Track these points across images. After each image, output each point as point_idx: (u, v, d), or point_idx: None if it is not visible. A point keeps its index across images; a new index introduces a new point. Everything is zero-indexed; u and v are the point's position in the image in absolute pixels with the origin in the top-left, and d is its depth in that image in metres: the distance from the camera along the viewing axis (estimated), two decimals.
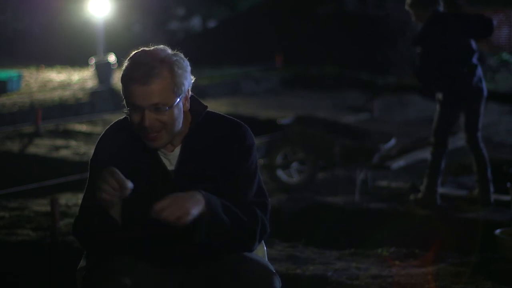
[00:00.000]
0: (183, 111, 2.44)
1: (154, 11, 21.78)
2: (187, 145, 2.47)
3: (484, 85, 6.09)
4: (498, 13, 19.33)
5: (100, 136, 2.54)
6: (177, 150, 2.47)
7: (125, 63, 2.41)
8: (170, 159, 2.47)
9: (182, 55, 2.44)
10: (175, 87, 2.37)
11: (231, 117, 2.55)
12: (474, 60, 6.03)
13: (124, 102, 2.41)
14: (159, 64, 2.35)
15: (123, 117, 2.54)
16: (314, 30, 17.37)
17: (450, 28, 5.97)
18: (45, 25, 20.67)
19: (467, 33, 6.01)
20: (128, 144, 2.47)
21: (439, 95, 6.09)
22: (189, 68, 2.44)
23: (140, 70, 2.34)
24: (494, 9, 19.56)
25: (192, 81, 2.47)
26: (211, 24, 21.28)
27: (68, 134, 9.25)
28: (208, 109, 2.53)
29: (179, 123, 2.42)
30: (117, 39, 17.43)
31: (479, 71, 6.05)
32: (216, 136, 2.48)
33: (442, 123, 6.10)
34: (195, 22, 22.51)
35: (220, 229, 2.34)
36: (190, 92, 2.47)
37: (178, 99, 2.39)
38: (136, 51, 2.42)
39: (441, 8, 6.03)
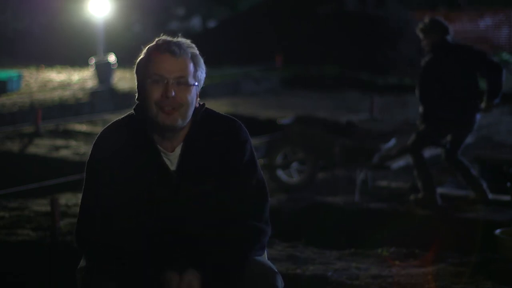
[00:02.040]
0: (194, 106, 2.46)
1: (154, 11, 21.79)
2: (187, 145, 2.47)
3: (478, 119, 6.10)
4: (498, 13, 19.35)
5: (97, 137, 2.51)
6: (177, 150, 2.47)
7: (147, 48, 2.47)
8: (171, 159, 2.47)
9: None
10: (197, 72, 2.46)
11: (224, 114, 2.57)
12: (475, 93, 6.04)
13: (142, 80, 2.44)
14: (187, 47, 2.46)
15: (121, 117, 2.54)
16: (314, 30, 17.38)
17: (456, 59, 6.00)
18: (45, 25, 20.68)
19: (472, 67, 6.02)
20: (128, 144, 2.46)
21: (431, 117, 6.10)
22: (205, 69, 2.51)
23: (172, 45, 2.43)
24: (494, 9, 19.57)
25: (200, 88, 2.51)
26: (211, 24, 21.30)
27: (68, 134, 9.25)
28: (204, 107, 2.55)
29: (191, 112, 2.45)
30: (117, 39, 17.44)
31: (478, 105, 6.05)
32: (212, 134, 2.49)
33: (420, 141, 6.14)
34: (195, 22, 22.53)
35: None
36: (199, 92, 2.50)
37: (197, 84, 2.46)
38: (160, 38, 2.48)
39: (450, 38, 6.06)
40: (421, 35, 6.15)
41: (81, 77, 14.73)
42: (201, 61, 2.48)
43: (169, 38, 2.47)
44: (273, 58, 16.42)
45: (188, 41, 2.49)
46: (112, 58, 13.52)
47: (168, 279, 2.32)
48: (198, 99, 2.50)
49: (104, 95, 12.22)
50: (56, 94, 12.24)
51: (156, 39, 2.48)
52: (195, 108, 2.49)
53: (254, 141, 2.57)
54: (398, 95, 13.24)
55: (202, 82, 2.49)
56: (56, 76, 15.06)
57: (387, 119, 10.88)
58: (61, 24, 20.09)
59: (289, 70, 15.88)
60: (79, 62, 16.53)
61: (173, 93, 2.39)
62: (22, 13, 20.71)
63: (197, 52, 2.48)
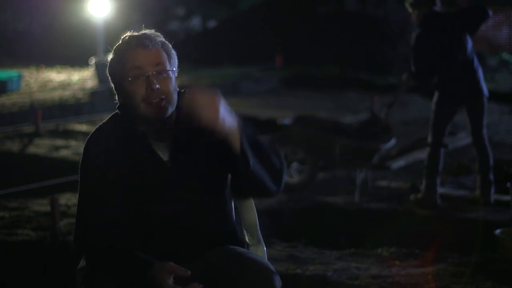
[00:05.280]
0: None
1: (154, 11, 21.78)
2: (176, 133, 2.48)
3: (484, 86, 6.09)
4: (498, 13, 19.34)
5: (87, 140, 2.51)
6: (168, 140, 2.48)
7: (115, 48, 2.51)
8: (162, 149, 2.48)
9: None
10: (170, 59, 2.48)
11: None
12: (476, 62, 6.04)
13: (119, 81, 2.45)
14: (153, 37, 2.47)
15: (106, 119, 2.55)
16: (314, 30, 17.37)
17: (445, 27, 6.01)
18: (45, 25, 20.67)
19: (463, 26, 6.03)
20: (119, 143, 2.46)
21: (435, 94, 6.12)
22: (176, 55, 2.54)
23: (140, 39, 2.46)
24: (494, 9, 19.54)
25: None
26: (211, 24, 21.28)
27: (68, 134, 9.25)
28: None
29: (175, 98, 2.46)
30: (117, 39, 17.42)
31: (479, 73, 6.05)
32: None
33: (437, 122, 6.12)
34: (195, 22, 22.50)
35: (258, 147, 2.42)
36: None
37: (173, 71, 2.48)
38: (125, 35, 2.52)
39: (438, 8, 6.07)
40: (409, 9, 6.14)
41: (81, 77, 14.72)
42: (170, 47, 2.51)
43: (135, 33, 2.50)
44: (273, 58, 16.41)
45: (153, 31, 2.51)
46: None
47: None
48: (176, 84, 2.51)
49: (104, 95, 12.21)
50: (56, 94, 12.24)
51: (122, 37, 2.50)
52: (178, 95, 2.50)
53: None
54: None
55: (176, 68, 2.52)
56: (56, 76, 15.05)
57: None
58: (61, 24, 20.08)
59: (289, 70, 15.87)
60: (79, 62, 16.53)
61: (157, 85, 2.40)
62: (22, 13, 20.71)
63: (165, 40, 2.51)
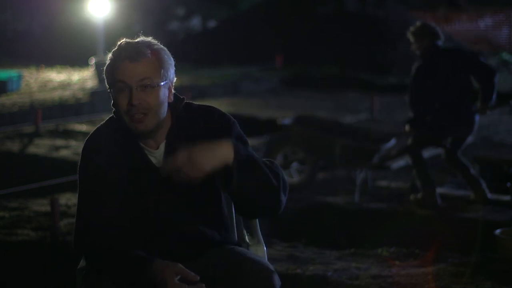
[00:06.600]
0: (167, 103, 2.45)
1: (154, 11, 21.79)
2: (170, 140, 2.47)
3: (477, 119, 6.12)
4: (498, 13, 19.35)
5: (84, 143, 2.51)
6: (162, 147, 2.47)
7: (111, 54, 2.46)
8: (156, 156, 2.47)
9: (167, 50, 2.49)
10: (162, 70, 2.42)
11: (205, 105, 2.56)
12: (469, 95, 6.07)
13: (109, 88, 2.44)
14: (146, 47, 2.42)
15: (104, 122, 2.54)
16: (314, 30, 17.37)
17: (448, 64, 6.04)
18: (45, 25, 20.68)
19: (464, 71, 6.06)
20: (115, 147, 2.46)
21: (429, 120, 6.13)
22: (173, 62, 2.48)
23: (129, 50, 2.41)
24: (494, 9, 19.58)
25: (174, 80, 2.49)
26: (211, 24, 21.29)
27: (68, 134, 9.25)
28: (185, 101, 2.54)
29: (164, 110, 2.43)
30: (117, 39, 17.43)
31: (474, 107, 6.09)
32: (194, 126, 2.48)
33: (419, 143, 6.17)
34: (195, 22, 22.51)
35: (255, 169, 2.31)
36: (173, 86, 2.49)
37: (164, 83, 2.42)
38: (121, 41, 2.47)
39: (440, 42, 6.10)
40: (411, 39, 6.18)
41: (81, 77, 14.73)
42: (166, 55, 2.44)
43: (127, 42, 2.44)
44: (273, 58, 16.42)
45: (148, 39, 2.46)
46: None
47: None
48: (173, 92, 2.48)
49: (104, 95, 12.21)
50: (56, 94, 12.24)
51: (118, 43, 2.46)
52: (175, 103, 2.48)
53: (254, 141, 2.56)
54: (398, 95, 13.24)
55: (172, 76, 2.46)
56: (56, 76, 15.06)
57: (387, 119, 10.88)
58: (61, 24, 20.10)
59: (289, 70, 15.87)
60: (79, 62, 16.53)
61: (138, 100, 2.37)
62: (22, 13, 20.72)
63: (160, 47, 2.44)
